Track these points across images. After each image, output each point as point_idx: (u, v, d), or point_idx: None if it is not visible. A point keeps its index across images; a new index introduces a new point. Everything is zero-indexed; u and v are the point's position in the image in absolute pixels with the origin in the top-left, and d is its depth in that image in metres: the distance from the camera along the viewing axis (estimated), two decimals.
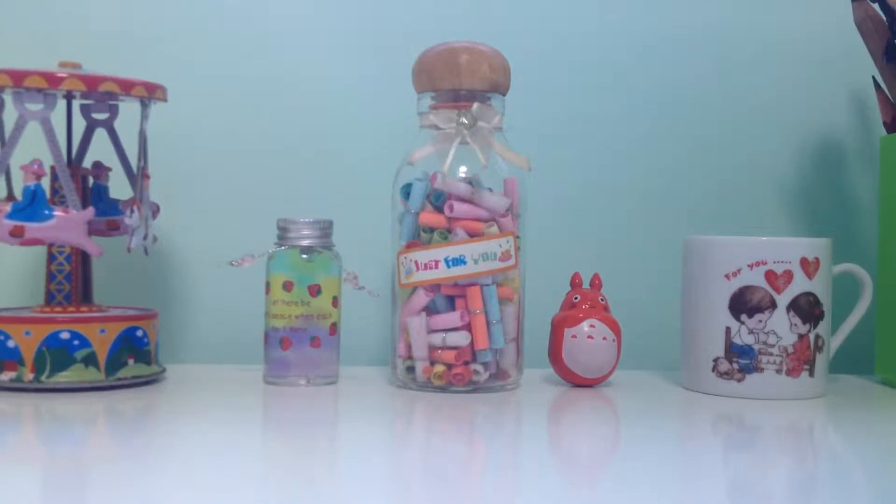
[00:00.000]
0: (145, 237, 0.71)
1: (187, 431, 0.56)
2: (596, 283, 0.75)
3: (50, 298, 0.70)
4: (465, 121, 0.69)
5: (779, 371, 0.69)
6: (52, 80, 0.66)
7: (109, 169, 0.74)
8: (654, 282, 0.86)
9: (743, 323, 0.69)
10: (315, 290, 0.70)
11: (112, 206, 0.73)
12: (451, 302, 0.69)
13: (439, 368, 0.68)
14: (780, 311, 0.69)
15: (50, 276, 0.69)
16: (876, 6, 0.78)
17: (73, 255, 0.70)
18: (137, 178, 0.72)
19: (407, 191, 0.70)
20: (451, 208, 0.68)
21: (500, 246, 0.68)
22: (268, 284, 0.71)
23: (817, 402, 0.69)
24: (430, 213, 0.69)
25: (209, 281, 0.83)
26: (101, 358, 0.67)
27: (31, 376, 0.65)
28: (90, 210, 0.68)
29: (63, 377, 0.65)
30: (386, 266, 0.76)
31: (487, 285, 0.69)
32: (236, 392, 0.68)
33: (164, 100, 0.72)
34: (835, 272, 0.72)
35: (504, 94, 0.71)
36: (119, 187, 0.74)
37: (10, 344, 0.65)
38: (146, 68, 0.76)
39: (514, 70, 0.72)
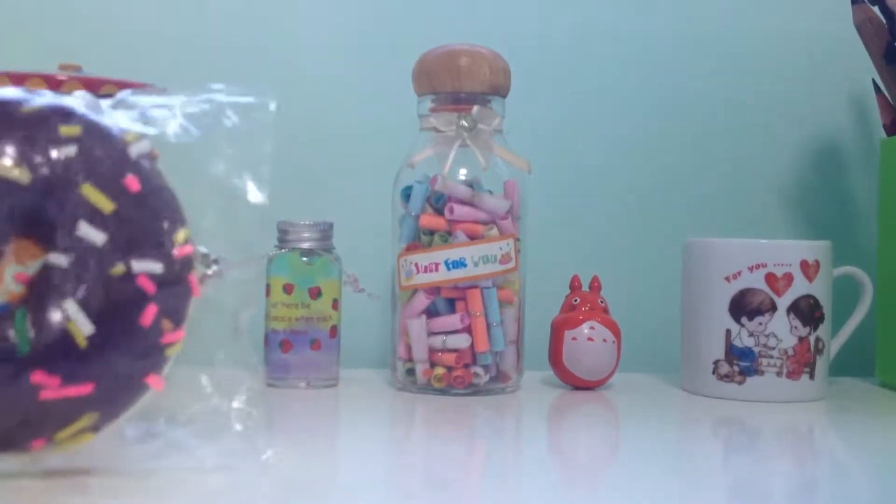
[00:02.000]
0: None
1: None
2: (595, 285, 0.75)
3: None
4: (465, 123, 0.69)
5: (779, 374, 0.69)
6: (52, 82, 0.66)
7: None
8: (654, 284, 0.86)
9: (743, 325, 0.69)
10: (315, 293, 0.70)
11: None
12: (451, 304, 0.69)
13: (439, 371, 0.68)
14: (781, 314, 0.69)
15: None
16: (876, 8, 0.78)
17: None
18: None
19: (407, 193, 0.70)
20: (452, 211, 0.68)
21: (501, 248, 0.68)
22: (268, 287, 0.71)
23: (817, 404, 0.69)
24: (430, 215, 0.69)
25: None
26: None
27: None
28: None
29: None
30: (386, 268, 0.76)
31: (487, 288, 0.69)
32: None
33: None
34: (835, 275, 0.72)
35: (504, 97, 0.71)
36: None
37: None
38: (146, 70, 0.76)
39: (513, 72, 0.72)
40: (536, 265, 0.78)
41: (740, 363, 0.69)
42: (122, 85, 0.68)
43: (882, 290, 0.77)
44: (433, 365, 0.69)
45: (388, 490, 0.46)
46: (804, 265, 0.69)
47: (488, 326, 0.68)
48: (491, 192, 0.70)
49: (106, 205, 0.41)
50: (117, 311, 0.41)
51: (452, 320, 0.68)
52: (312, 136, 0.85)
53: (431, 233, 0.69)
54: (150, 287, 0.42)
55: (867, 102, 0.88)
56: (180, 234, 0.43)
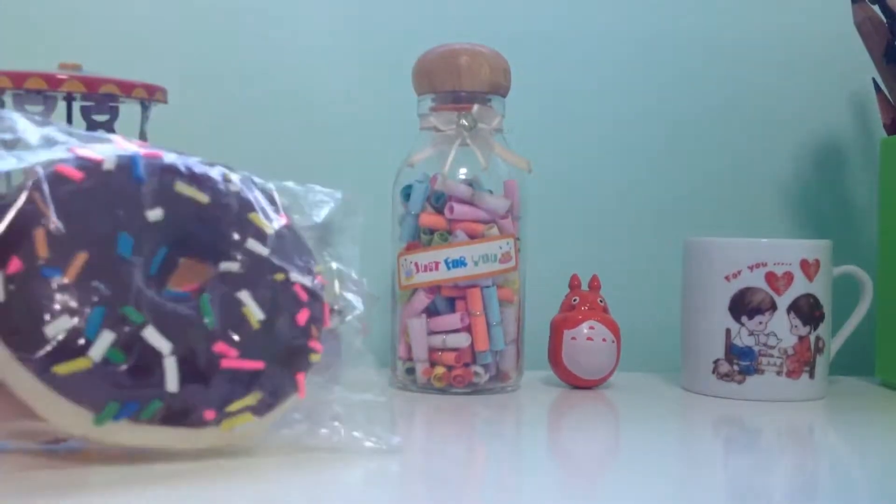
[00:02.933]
0: None
1: None
2: (594, 284, 0.75)
3: None
4: (465, 123, 0.69)
5: (779, 373, 0.69)
6: (52, 81, 0.66)
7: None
8: (655, 283, 0.86)
9: (743, 324, 0.69)
10: None
11: None
12: (451, 304, 0.69)
13: (439, 370, 0.68)
14: (781, 313, 0.69)
15: None
16: (876, 7, 0.78)
17: None
18: None
19: (407, 192, 0.70)
20: (452, 210, 0.68)
21: (501, 248, 0.68)
22: None
23: (817, 403, 0.69)
24: (430, 214, 0.69)
25: None
26: None
27: None
28: None
29: None
30: (386, 268, 0.76)
31: (487, 287, 0.69)
32: None
33: (165, 101, 0.72)
34: (835, 274, 0.72)
35: (504, 96, 0.71)
36: None
37: None
38: (147, 70, 0.76)
39: (513, 71, 0.72)
40: (536, 265, 0.78)
41: (740, 362, 0.69)
42: (123, 84, 0.68)
43: (882, 289, 0.77)
44: (433, 364, 0.69)
45: (387, 489, 0.46)
46: (804, 264, 0.69)
47: (488, 326, 0.68)
48: (491, 192, 0.70)
49: (268, 227, 0.50)
50: (280, 307, 0.49)
51: (452, 319, 0.68)
52: (313, 137, 0.85)
53: (431, 232, 0.69)
54: (303, 295, 0.50)
55: (867, 101, 0.88)
56: (318, 266, 0.53)
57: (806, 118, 0.89)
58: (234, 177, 0.51)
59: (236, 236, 0.49)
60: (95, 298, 0.43)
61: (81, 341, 0.42)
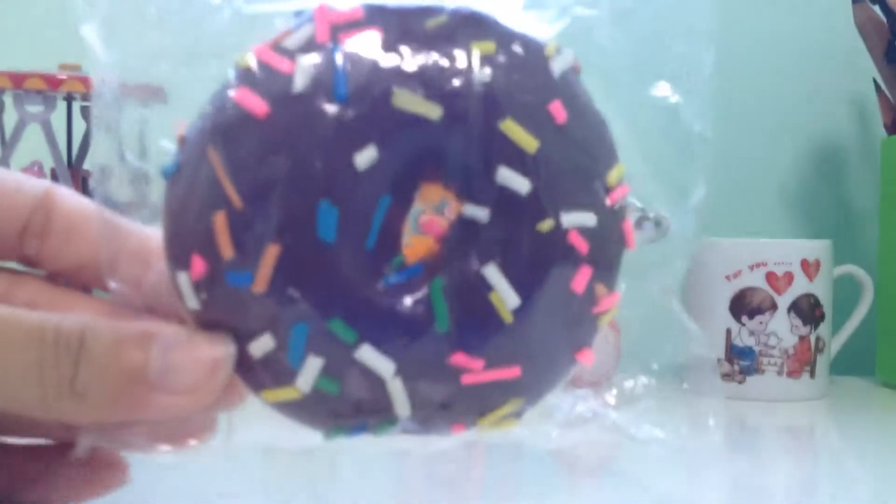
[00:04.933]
0: None
1: None
2: None
3: None
4: None
5: (780, 372, 0.69)
6: (52, 82, 0.66)
7: None
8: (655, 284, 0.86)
9: (743, 324, 0.69)
10: None
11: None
12: None
13: None
14: (781, 313, 0.69)
15: None
16: (876, 8, 0.78)
17: None
18: None
19: None
20: None
21: None
22: None
23: (818, 403, 0.69)
24: None
25: None
26: None
27: None
28: None
29: None
30: None
31: None
32: None
33: (164, 101, 0.72)
34: (835, 274, 0.72)
35: None
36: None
37: None
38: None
39: None
40: None
41: (741, 362, 0.69)
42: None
43: (882, 289, 0.77)
44: None
45: (387, 489, 0.46)
46: (805, 264, 0.69)
47: None
48: None
49: (530, 143, 0.32)
50: (545, 276, 0.32)
51: None
52: None
53: None
54: (582, 245, 0.33)
55: (868, 102, 0.88)
56: (614, 173, 0.34)
57: (806, 118, 0.89)
58: (487, 47, 0.33)
59: (482, 164, 0.31)
60: (294, 313, 0.31)
61: (286, 366, 0.32)
